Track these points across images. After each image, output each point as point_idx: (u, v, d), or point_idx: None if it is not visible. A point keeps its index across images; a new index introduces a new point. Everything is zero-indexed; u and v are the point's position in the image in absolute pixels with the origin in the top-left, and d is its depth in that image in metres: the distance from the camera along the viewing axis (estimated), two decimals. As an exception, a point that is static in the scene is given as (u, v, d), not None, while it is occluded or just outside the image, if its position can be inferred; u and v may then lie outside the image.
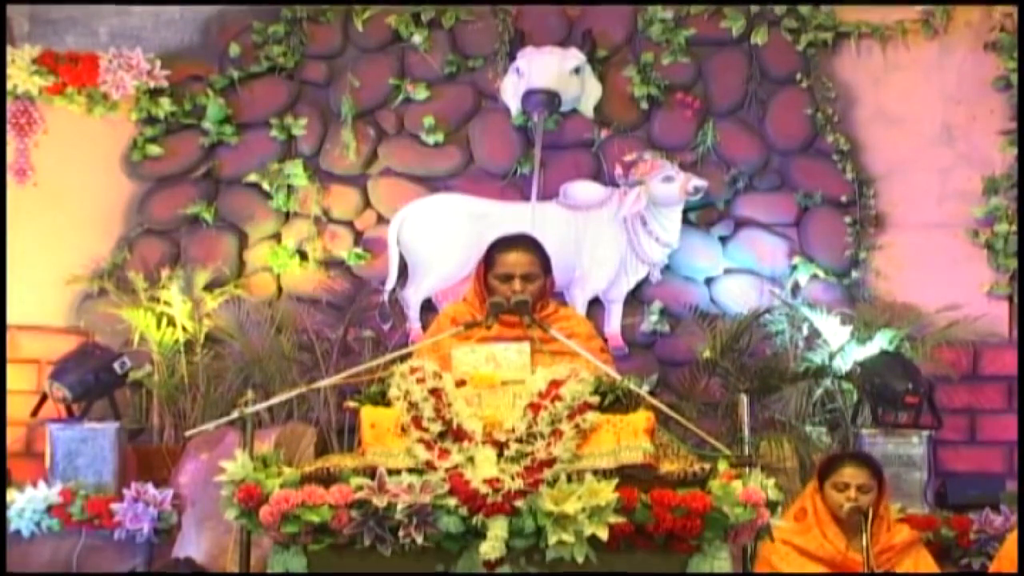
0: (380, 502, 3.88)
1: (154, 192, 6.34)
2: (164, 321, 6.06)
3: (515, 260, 4.67)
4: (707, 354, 5.92)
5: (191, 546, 5.43)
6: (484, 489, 3.87)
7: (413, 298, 6.19)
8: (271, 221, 6.34)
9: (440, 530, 3.88)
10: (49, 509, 5.53)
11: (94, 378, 5.71)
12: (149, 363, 6.02)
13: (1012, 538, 4.85)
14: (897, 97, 6.26)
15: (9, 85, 6.18)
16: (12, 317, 6.09)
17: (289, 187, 6.32)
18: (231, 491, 4.01)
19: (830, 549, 4.70)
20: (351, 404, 4.28)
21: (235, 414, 4.17)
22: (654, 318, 6.18)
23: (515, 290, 4.60)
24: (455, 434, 4.00)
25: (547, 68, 6.14)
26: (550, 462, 3.93)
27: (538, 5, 6.37)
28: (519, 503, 3.86)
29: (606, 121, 6.29)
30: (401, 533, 3.87)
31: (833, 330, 5.93)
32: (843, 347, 5.88)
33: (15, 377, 6.04)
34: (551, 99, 6.12)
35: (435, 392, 4.06)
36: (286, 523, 3.92)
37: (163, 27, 6.41)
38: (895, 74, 6.27)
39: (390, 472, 3.93)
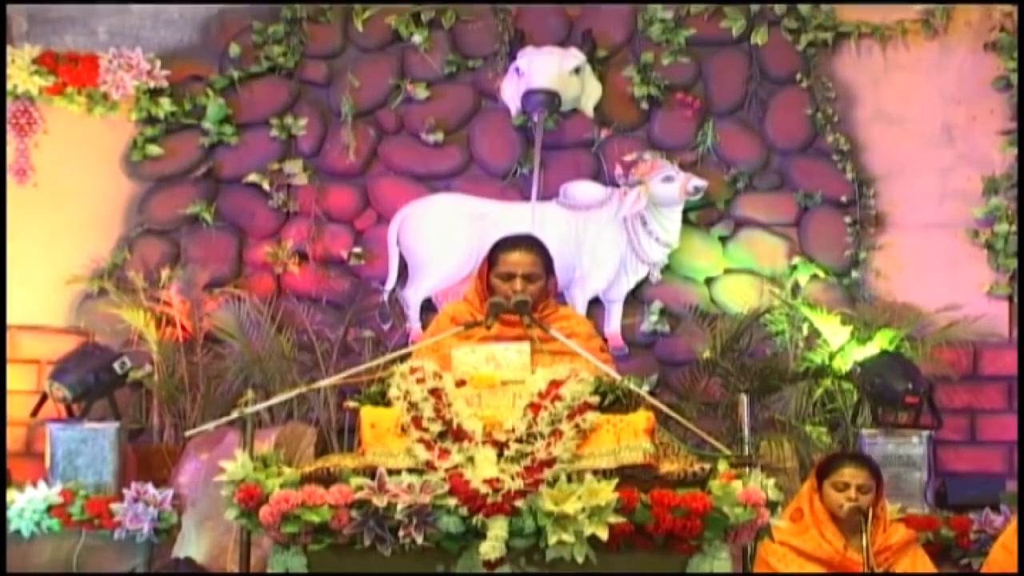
0: (380, 502, 3.88)
1: (154, 192, 6.34)
2: (164, 321, 6.06)
3: (517, 260, 4.70)
4: (707, 354, 5.92)
5: (191, 546, 5.43)
6: (484, 489, 3.87)
7: (413, 298, 6.19)
8: (271, 221, 6.34)
9: (440, 530, 3.89)
10: (49, 509, 5.53)
11: (94, 378, 5.71)
12: (149, 363, 6.01)
13: (1000, 543, 4.86)
14: (897, 97, 6.26)
15: (9, 85, 6.18)
16: (12, 317, 6.08)
17: (289, 187, 6.32)
18: (231, 491, 4.01)
19: (828, 549, 4.70)
20: (351, 404, 4.29)
21: (235, 414, 4.18)
22: (654, 318, 6.18)
23: (516, 289, 4.63)
24: (455, 434, 4.00)
25: (547, 68, 6.14)
26: (550, 462, 3.93)
27: (538, 5, 6.37)
28: (519, 503, 3.86)
29: (606, 121, 6.29)
30: (401, 533, 3.88)
31: (833, 330, 5.93)
32: (843, 347, 5.88)
33: (15, 377, 6.03)
34: (551, 99, 6.11)
35: (435, 392, 4.06)
36: (286, 523, 3.92)
37: (162, 27, 6.40)
38: (895, 74, 6.27)
39: (390, 472, 3.93)
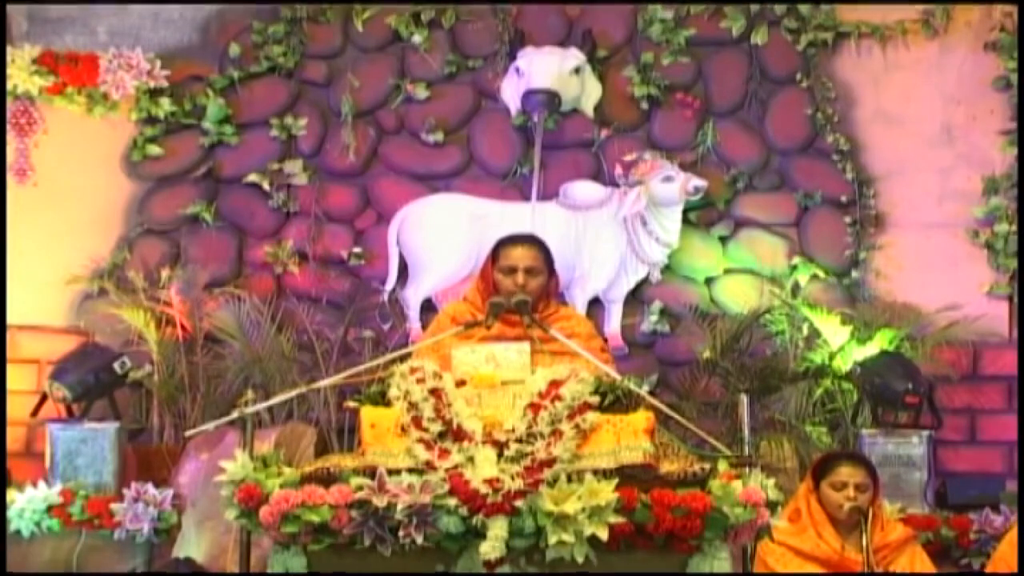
0: (380, 502, 3.88)
1: (154, 192, 6.34)
2: (164, 321, 6.06)
3: (520, 254, 4.75)
4: (707, 354, 5.92)
5: (191, 546, 5.43)
6: (484, 489, 3.87)
7: (413, 298, 6.19)
8: (271, 221, 6.34)
9: (440, 530, 3.89)
10: (49, 509, 5.53)
11: (94, 378, 5.71)
12: (149, 363, 6.01)
13: (1008, 539, 4.86)
14: (897, 97, 6.26)
15: (9, 85, 6.18)
16: (12, 317, 6.08)
17: (289, 187, 6.32)
18: (231, 491, 4.01)
19: (826, 549, 4.69)
20: (351, 404, 4.29)
21: (235, 414, 4.18)
22: (654, 318, 6.18)
23: (518, 283, 4.66)
24: (455, 434, 4.00)
25: (547, 68, 6.14)
26: (550, 462, 3.93)
27: (538, 5, 6.37)
28: (519, 503, 3.86)
29: (606, 121, 6.29)
30: (401, 533, 3.88)
31: (833, 330, 5.93)
32: (843, 347, 5.88)
33: (15, 377, 6.03)
34: (551, 99, 6.12)
35: (435, 392, 4.07)
36: (286, 523, 3.92)
37: (162, 26, 6.40)
38: (895, 74, 6.27)
39: (390, 472, 3.93)
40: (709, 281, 6.26)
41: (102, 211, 6.30)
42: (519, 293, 4.66)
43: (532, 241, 4.87)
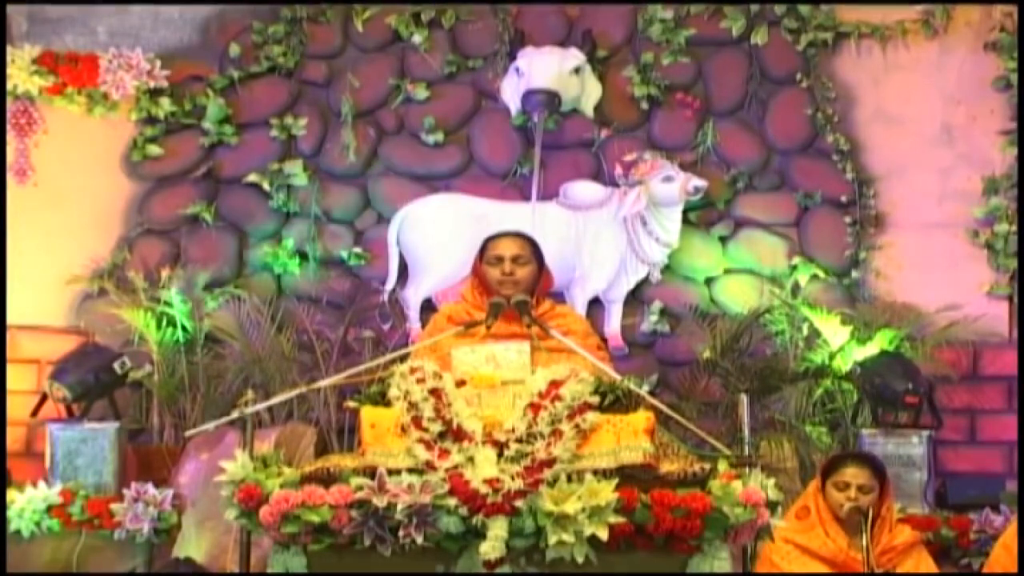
0: (380, 502, 3.88)
1: (154, 192, 6.34)
2: (164, 321, 6.07)
3: (505, 244, 4.80)
4: (707, 354, 5.92)
5: (191, 546, 5.43)
6: (484, 489, 3.87)
7: (413, 298, 6.19)
8: (271, 221, 6.34)
9: (440, 530, 3.89)
10: (49, 509, 5.53)
11: (94, 378, 5.71)
12: (149, 363, 6.01)
13: (1000, 542, 4.86)
14: (897, 97, 6.26)
15: (9, 85, 6.18)
16: (12, 317, 6.08)
17: (289, 187, 6.32)
18: (231, 491, 4.02)
19: (832, 548, 4.69)
20: (351, 404, 4.30)
21: (235, 414, 4.18)
22: (654, 318, 6.18)
23: (505, 271, 4.69)
24: (455, 434, 4.00)
25: (547, 68, 6.14)
26: (550, 462, 3.93)
27: (538, 5, 6.37)
28: (519, 503, 3.86)
29: (606, 121, 6.29)
30: (401, 533, 3.88)
31: (833, 330, 5.93)
32: (843, 347, 5.88)
33: (15, 377, 6.03)
34: (551, 99, 6.12)
35: (435, 392, 4.07)
36: (286, 523, 3.92)
37: (162, 26, 6.40)
38: (895, 74, 6.27)
39: (390, 472, 3.93)
40: (709, 281, 6.26)
41: (102, 211, 6.30)
42: (510, 284, 4.67)
43: (517, 234, 4.91)
